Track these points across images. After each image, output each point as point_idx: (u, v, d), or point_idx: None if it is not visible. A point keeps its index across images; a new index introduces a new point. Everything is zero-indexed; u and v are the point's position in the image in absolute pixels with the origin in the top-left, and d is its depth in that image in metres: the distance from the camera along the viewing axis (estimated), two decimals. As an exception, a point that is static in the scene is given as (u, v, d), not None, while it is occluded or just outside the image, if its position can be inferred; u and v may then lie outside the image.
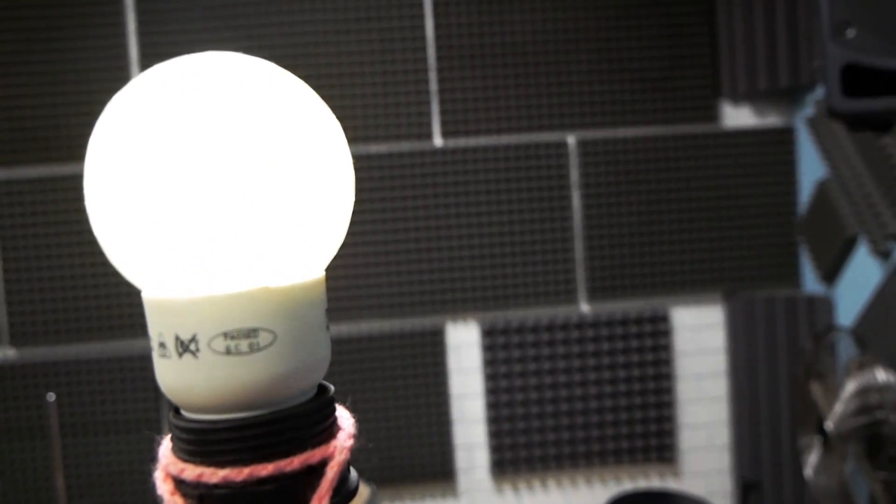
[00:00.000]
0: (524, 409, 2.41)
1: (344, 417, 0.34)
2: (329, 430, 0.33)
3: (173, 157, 0.30)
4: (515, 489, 2.45)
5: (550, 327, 2.40)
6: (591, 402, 2.42)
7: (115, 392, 2.27)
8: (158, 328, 0.31)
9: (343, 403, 0.35)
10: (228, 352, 0.30)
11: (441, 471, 2.40)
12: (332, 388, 0.34)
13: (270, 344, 0.31)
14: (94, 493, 2.27)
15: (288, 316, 0.31)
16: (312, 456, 0.31)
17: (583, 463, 2.43)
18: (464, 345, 2.41)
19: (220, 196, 0.30)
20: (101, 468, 2.27)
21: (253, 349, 0.31)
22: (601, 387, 2.42)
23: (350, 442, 0.33)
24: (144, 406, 2.26)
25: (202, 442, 0.31)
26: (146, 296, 0.32)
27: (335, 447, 0.32)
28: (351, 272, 2.27)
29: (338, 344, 2.36)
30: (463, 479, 2.42)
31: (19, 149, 2.27)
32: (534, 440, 2.42)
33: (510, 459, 2.42)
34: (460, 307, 2.39)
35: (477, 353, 2.41)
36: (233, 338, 0.30)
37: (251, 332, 0.31)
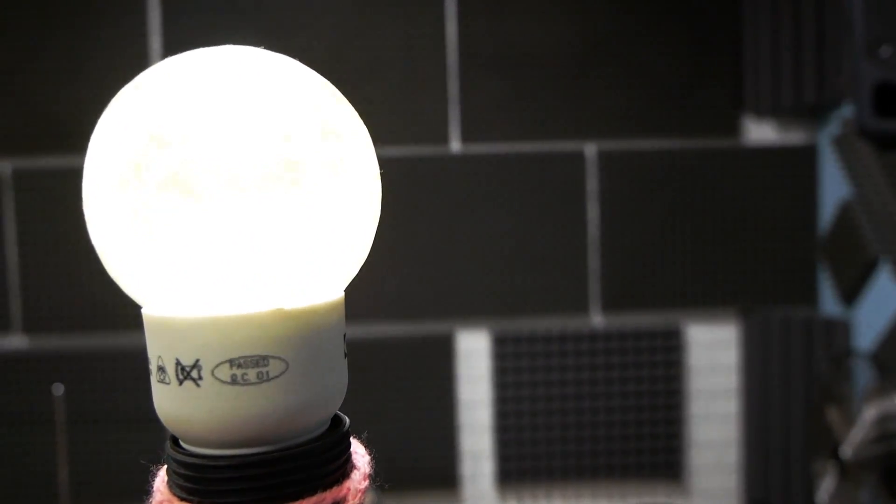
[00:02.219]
0: (532, 420, 2.38)
1: (359, 454, 0.31)
2: (343, 469, 0.29)
3: (181, 160, 0.26)
4: (520, 499, 2.42)
5: (562, 338, 2.37)
6: (600, 415, 2.38)
7: (126, 384, 2.26)
8: (157, 350, 0.28)
9: (358, 437, 0.32)
10: (234, 381, 0.27)
11: (446, 478, 2.37)
12: (347, 420, 0.31)
13: (282, 374, 0.27)
14: (98, 485, 2.25)
15: (302, 342, 0.28)
16: (323, 499, 0.28)
17: (589, 476, 2.39)
18: (474, 352, 2.38)
19: (231, 206, 0.26)
20: (106, 460, 2.25)
21: (262, 379, 0.27)
22: (611, 400, 2.39)
23: (365, 484, 0.29)
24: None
25: (201, 479, 0.28)
26: (146, 313, 0.29)
27: (349, 489, 0.29)
28: (362, 274, 2.25)
29: (347, 346, 2.33)
30: (467, 488, 2.40)
31: (39, 138, 2.26)
32: (540, 451, 2.39)
33: (516, 469, 2.39)
34: (472, 314, 2.36)
35: (487, 361, 2.38)
36: (240, 366, 0.27)
37: (260, 360, 0.27)
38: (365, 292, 2.28)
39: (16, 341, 2.28)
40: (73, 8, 2.26)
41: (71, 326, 2.27)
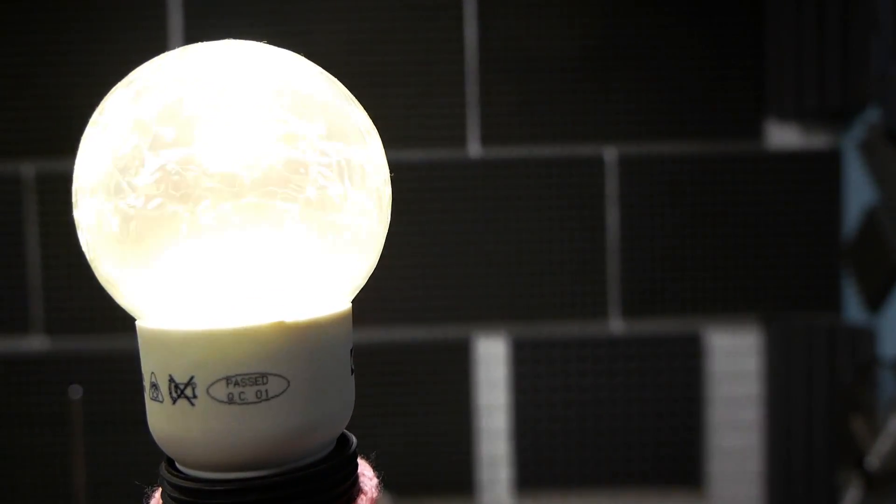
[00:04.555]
0: (550, 426, 2.35)
1: (366, 476, 0.29)
2: (348, 493, 0.27)
3: (174, 163, 0.24)
4: (537, 506, 2.40)
5: (581, 343, 2.34)
6: (619, 421, 2.35)
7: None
8: (151, 366, 0.26)
9: (366, 457, 0.30)
10: (231, 400, 0.25)
11: (462, 483, 2.35)
12: (354, 440, 0.29)
13: (282, 392, 0.25)
14: (114, 488, 2.25)
15: (305, 359, 0.26)
16: None
17: (607, 484, 2.37)
18: (492, 357, 2.36)
19: (228, 212, 0.24)
20: (124, 463, 2.25)
21: (260, 398, 0.25)
22: (630, 406, 2.36)
23: None
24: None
25: None
26: (140, 326, 0.27)
27: (354, 515, 0.27)
28: (380, 278, 2.24)
29: (365, 350, 2.33)
30: (484, 493, 2.38)
31: (61, 141, 2.26)
32: (558, 457, 2.36)
33: (533, 476, 2.36)
34: (490, 319, 2.34)
35: (504, 366, 2.36)
36: (237, 384, 0.25)
37: (259, 378, 0.25)
38: (382, 296, 2.26)
39: (37, 342, 2.29)
40: (96, 12, 2.27)
41: (92, 328, 2.28)
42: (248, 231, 0.25)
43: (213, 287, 0.25)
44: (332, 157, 0.26)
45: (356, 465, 0.29)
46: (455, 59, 2.31)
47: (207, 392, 0.25)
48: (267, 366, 0.25)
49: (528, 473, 2.36)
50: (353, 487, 0.28)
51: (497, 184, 2.32)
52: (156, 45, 2.26)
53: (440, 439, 2.34)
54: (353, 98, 0.29)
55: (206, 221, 0.24)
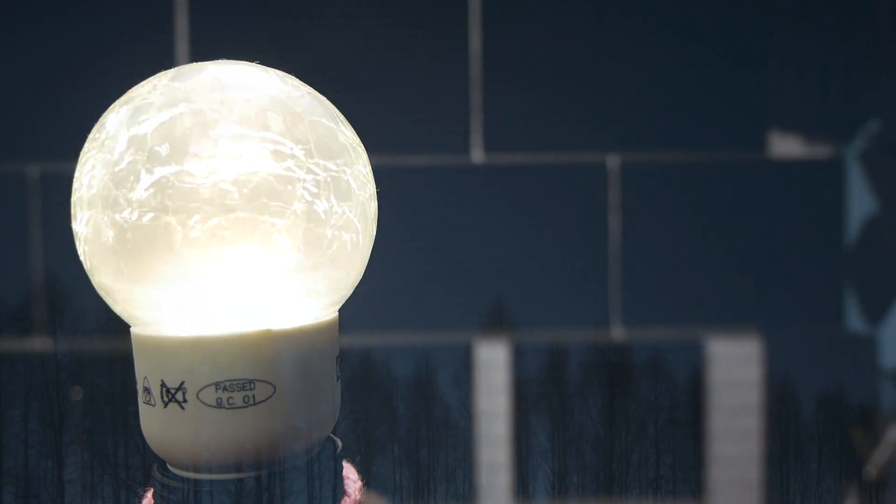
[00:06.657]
0: (551, 432, 2.36)
1: (350, 479, 0.30)
2: (332, 496, 0.29)
3: (167, 176, 0.26)
4: (537, 513, 2.40)
5: (581, 350, 2.35)
6: (619, 428, 2.36)
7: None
8: (144, 371, 0.28)
9: (351, 461, 0.31)
10: (219, 405, 0.26)
11: (462, 489, 2.36)
12: (339, 444, 0.30)
13: (268, 398, 0.27)
14: (114, 486, 2.26)
15: (291, 366, 0.27)
16: None
17: (607, 492, 2.37)
18: (493, 363, 2.37)
19: (218, 225, 0.26)
20: (123, 463, 2.26)
21: (248, 403, 0.27)
22: (630, 414, 2.36)
23: None
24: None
25: None
26: (134, 332, 0.28)
27: (338, 517, 0.28)
28: (382, 281, 2.25)
29: (364, 355, 2.34)
30: (484, 500, 2.38)
31: (66, 142, 2.28)
32: (559, 465, 2.37)
33: (533, 482, 2.37)
34: (492, 324, 2.35)
35: (506, 372, 2.37)
36: (225, 389, 0.26)
37: (247, 384, 0.27)
38: (383, 301, 2.28)
39: (38, 342, 2.30)
40: (102, 19, 2.29)
41: (94, 329, 2.30)
42: (238, 244, 0.26)
43: (204, 297, 0.27)
44: (318, 173, 0.27)
45: (340, 469, 0.30)
46: (459, 65, 2.32)
47: (197, 397, 0.27)
48: (254, 372, 0.27)
49: (529, 480, 2.37)
50: (337, 490, 0.29)
51: (499, 190, 2.33)
52: (161, 48, 2.28)
53: (440, 444, 2.35)
54: (341, 115, 0.30)
55: (197, 234, 0.26)
